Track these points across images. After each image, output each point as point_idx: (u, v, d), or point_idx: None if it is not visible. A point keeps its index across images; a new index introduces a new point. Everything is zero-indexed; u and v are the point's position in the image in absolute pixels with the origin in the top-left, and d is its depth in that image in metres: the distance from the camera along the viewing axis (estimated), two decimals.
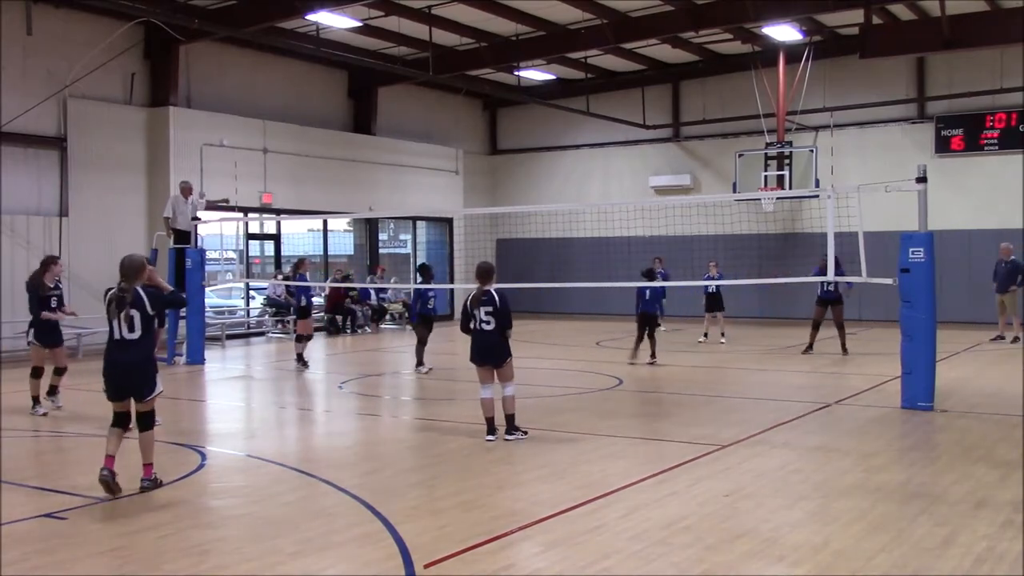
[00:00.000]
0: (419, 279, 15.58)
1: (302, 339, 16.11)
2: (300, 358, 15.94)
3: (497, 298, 9.37)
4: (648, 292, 15.81)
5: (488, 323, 9.32)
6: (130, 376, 7.36)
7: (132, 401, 7.41)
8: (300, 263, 16.81)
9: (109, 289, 7.49)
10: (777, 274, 18.79)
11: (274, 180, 22.58)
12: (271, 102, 23.08)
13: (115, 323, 7.31)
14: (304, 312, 16.39)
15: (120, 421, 7.38)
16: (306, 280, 16.54)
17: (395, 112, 26.39)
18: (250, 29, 19.41)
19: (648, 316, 15.83)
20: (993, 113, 23.06)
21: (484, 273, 9.53)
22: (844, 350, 16.71)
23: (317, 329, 16.89)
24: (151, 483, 7.36)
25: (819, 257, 17.19)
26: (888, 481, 7.66)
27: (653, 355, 15.74)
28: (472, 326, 9.45)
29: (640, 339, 15.88)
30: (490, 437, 9.34)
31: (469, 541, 6.01)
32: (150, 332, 7.44)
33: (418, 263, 27.95)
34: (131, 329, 7.30)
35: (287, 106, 23.49)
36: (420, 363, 15.01)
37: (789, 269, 19.01)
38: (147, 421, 7.39)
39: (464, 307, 9.57)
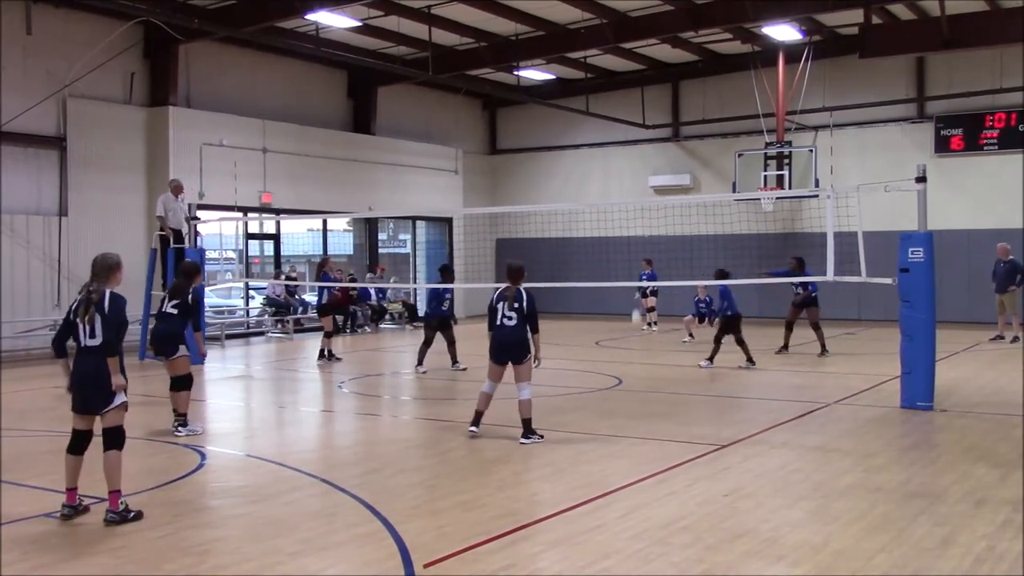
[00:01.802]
0: (439, 279, 15.54)
1: (329, 335, 16.75)
2: (330, 354, 16.58)
3: (525, 297, 9.43)
4: (725, 292, 15.14)
5: (511, 318, 9.35)
6: (84, 386, 6.70)
7: (96, 419, 6.76)
8: (324, 263, 17.66)
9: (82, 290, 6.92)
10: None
11: (274, 180, 22.58)
12: (271, 102, 23.08)
13: (80, 327, 6.73)
14: (326, 309, 16.93)
15: (76, 444, 6.75)
16: (330, 279, 17.38)
17: (395, 112, 26.38)
18: (250, 29, 19.41)
19: (729, 320, 15.16)
20: (993, 113, 23.07)
21: (516, 272, 9.60)
22: (824, 349, 16.62)
23: (316, 329, 17.13)
24: (118, 516, 6.46)
25: (789, 258, 17.24)
26: (888, 481, 7.66)
27: (749, 359, 15.09)
28: (494, 321, 9.47)
29: (717, 345, 15.27)
30: (473, 429, 9.45)
31: (469, 541, 6.02)
32: (113, 340, 6.73)
33: (417, 263, 28.14)
34: (92, 335, 6.70)
35: (287, 106, 23.48)
36: (420, 363, 15.02)
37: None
38: (112, 439, 6.66)
39: (490, 304, 9.61)
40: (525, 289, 9.53)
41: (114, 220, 19.39)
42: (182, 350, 10.03)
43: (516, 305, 9.36)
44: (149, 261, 17.28)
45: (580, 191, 28.38)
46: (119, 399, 6.71)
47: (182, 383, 9.98)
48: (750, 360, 15.08)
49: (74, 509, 6.64)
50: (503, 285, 9.75)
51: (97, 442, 6.76)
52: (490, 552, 5.86)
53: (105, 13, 18.63)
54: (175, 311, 10.22)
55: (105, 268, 6.87)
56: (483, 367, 9.64)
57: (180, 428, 9.84)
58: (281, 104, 23.36)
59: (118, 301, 6.83)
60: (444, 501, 7.11)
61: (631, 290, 22.66)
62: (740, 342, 15.14)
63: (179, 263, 16.72)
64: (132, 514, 6.55)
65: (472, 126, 29.95)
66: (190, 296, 10.37)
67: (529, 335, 9.38)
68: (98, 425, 6.75)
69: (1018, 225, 21.85)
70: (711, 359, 15.24)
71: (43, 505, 6.94)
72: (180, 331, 10.16)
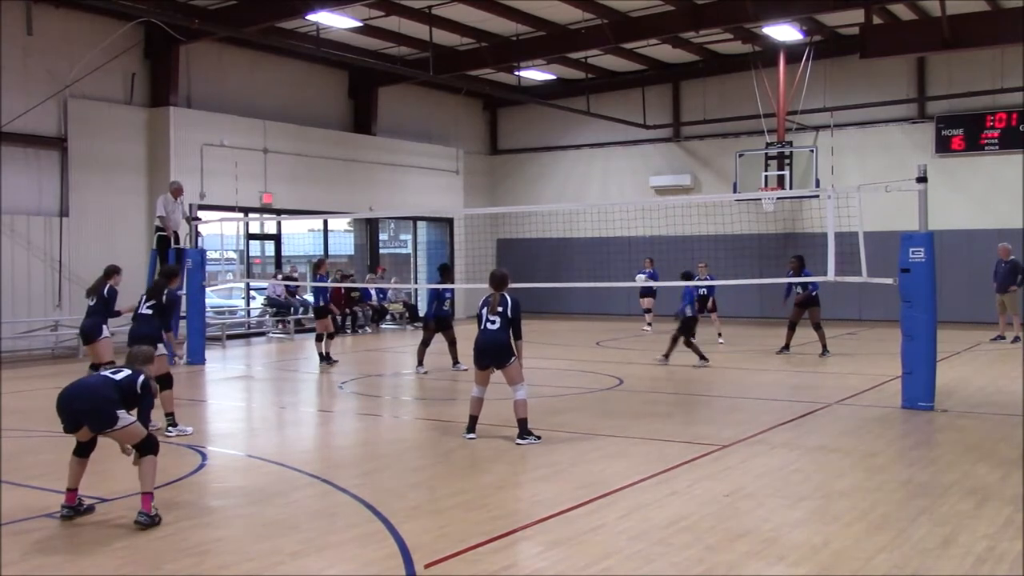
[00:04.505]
0: (438, 279, 15.49)
1: (322, 337, 16.45)
2: (326, 356, 16.28)
3: (510, 302, 9.42)
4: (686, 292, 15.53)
5: (493, 322, 9.36)
6: (75, 401, 6.60)
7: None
8: (320, 264, 17.35)
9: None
10: (778, 275, 18.77)
11: (274, 180, 22.58)
12: (271, 102, 23.09)
13: None
14: (322, 312, 16.62)
15: (82, 449, 6.70)
16: (325, 281, 17.04)
17: (395, 112, 26.39)
18: (250, 29, 19.42)
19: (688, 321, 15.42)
20: (993, 113, 23.07)
21: (500, 279, 9.62)
22: (824, 349, 16.64)
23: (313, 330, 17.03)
24: (148, 519, 6.41)
25: (787, 261, 17.29)
26: (888, 481, 7.66)
27: (666, 355, 15.68)
28: (479, 326, 9.50)
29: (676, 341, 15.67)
30: (470, 435, 9.43)
31: (469, 541, 6.02)
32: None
33: (417, 263, 28.13)
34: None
35: (287, 106, 23.49)
36: (420, 363, 15.02)
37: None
38: (145, 447, 6.62)
39: (478, 311, 9.63)
40: (511, 295, 9.52)
41: (115, 221, 19.41)
42: (160, 349, 10.01)
43: (500, 309, 9.37)
44: (150, 262, 17.26)
45: (581, 191, 28.39)
46: (123, 420, 6.49)
47: (163, 383, 9.94)
48: (666, 357, 15.66)
49: (73, 510, 6.61)
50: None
51: (103, 445, 6.75)
52: (490, 552, 5.86)
53: (106, 13, 18.64)
54: (150, 311, 10.24)
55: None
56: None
57: (171, 428, 9.79)
58: (282, 104, 23.37)
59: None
60: (444, 501, 7.11)
61: (631, 290, 22.67)
62: (676, 339, 15.53)
63: (178, 262, 16.82)
64: (159, 518, 6.49)
65: (472, 126, 29.95)
66: (164, 297, 10.36)
67: (511, 340, 9.35)
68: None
69: (1018, 225, 21.85)
70: (667, 356, 15.70)
71: (43, 505, 6.93)
72: (156, 332, 10.13)
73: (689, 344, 15.42)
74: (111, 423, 6.47)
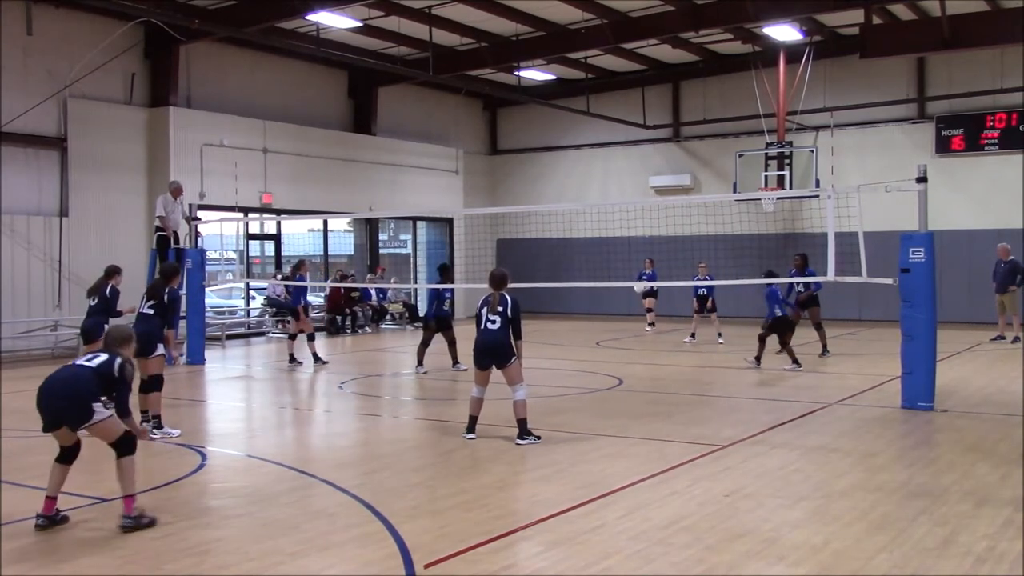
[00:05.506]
0: (438, 279, 15.47)
1: (313, 336, 16.40)
2: (316, 357, 16.28)
3: (510, 302, 9.43)
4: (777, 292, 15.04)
5: (493, 322, 9.36)
6: (55, 399, 6.42)
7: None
8: (299, 265, 17.11)
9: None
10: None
11: (274, 180, 22.58)
12: (271, 102, 23.08)
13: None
14: (299, 313, 16.59)
15: (64, 455, 6.55)
16: (304, 281, 16.83)
17: (395, 112, 26.39)
18: (250, 29, 19.41)
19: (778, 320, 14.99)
20: (993, 113, 23.07)
21: (499, 279, 9.63)
22: (824, 349, 16.63)
23: (317, 329, 16.94)
24: (132, 521, 6.30)
25: (790, 259, 17.28)
26: (888, 481, 7.66)
27: (794, 360, 14.79)
28: (478, 326, 9.50)
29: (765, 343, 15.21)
30: (470, 435, 9.43)
31: (469, 541, 6.02)
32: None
33: (417, 263, 28.13)
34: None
35: (287, 106, 23.48)
36: (420, 363, 15.02)
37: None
38: (123, 447, 6.45)
39: (477, 311, 9.63)
40: (510, 295, 9.52)
41: (115, 221, 19.41)
42: (159, 350, 9.96)
43: (500, 309, 9.37)
44: (150, 262, 17.26)
45: (580, 191, 28.38)
46: (100, 415, 6.35)
47: (153, 384, 9.83)
48: (795, 362, 14.78)
49: (50, 520, 6.41)
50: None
51: (85, 441, 6.71)
52: (490, 552, 5.86)
53: (106, 13, 18.63)
54: (152, 311, 10.20)
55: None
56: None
57: (155, 431, 9.51)
58: (281, 104, 23.36)
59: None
60: (444, 501, 7.11)
61: (631, 290, 22.67)
62: (785, 344, 15.07)
63: (177, 262, 16.80)
64: (146, 520, 6.41)
65: (472, 126, 29.95)
66: (166, 296, 10.32)
67: (511, 339, 9.35)
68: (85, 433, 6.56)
69: (1018, 225, 21.85)
70: (758, 358, 15.26)
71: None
72: (158, 331, 10.07)
73: (762, 341, 15.17)
74: (87, 417, 6.29)
